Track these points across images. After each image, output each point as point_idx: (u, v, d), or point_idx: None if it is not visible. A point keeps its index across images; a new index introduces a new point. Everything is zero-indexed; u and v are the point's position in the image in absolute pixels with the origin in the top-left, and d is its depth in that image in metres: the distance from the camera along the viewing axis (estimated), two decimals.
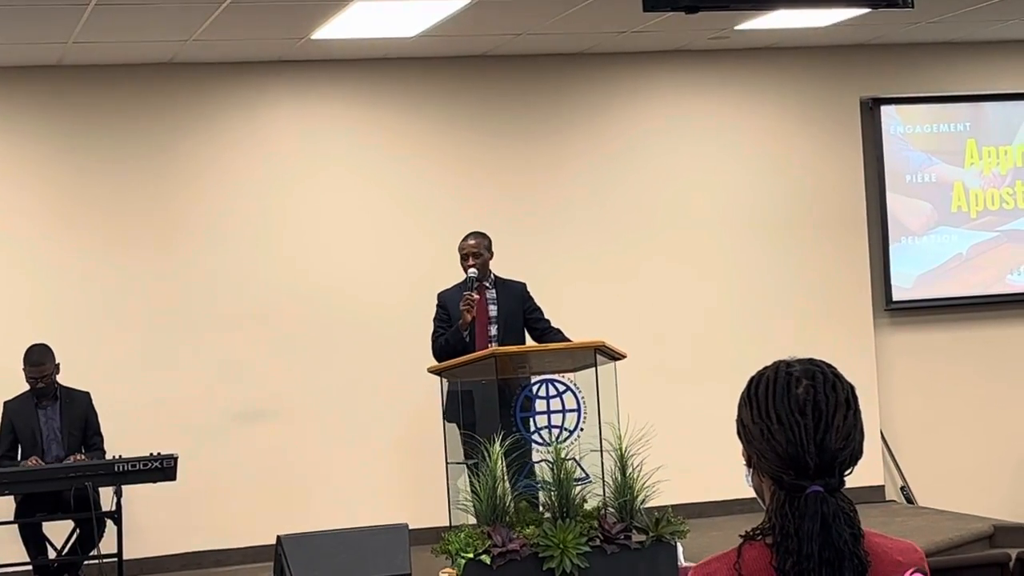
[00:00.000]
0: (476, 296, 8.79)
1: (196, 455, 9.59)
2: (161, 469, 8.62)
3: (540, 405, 8.40)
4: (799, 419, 2.64)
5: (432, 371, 8.61)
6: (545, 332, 9.01)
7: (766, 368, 2.77)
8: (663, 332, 10.72)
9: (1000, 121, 11.58)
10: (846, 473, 2.68)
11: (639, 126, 10.90)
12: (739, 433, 2.74)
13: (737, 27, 10.12)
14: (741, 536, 2.69)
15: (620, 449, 8.04)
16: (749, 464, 2.74)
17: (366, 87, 10.50)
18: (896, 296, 11.31)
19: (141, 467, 8.58)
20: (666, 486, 8.11)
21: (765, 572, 2.63)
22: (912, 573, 2.11)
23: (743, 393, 2.75)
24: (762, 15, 9.75)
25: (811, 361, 2.75)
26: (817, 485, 2.63)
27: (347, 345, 10.31)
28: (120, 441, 9.12)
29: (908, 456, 11.24)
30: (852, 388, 2.72)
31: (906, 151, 11.38)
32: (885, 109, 11.32)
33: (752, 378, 2.76)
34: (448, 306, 8.94)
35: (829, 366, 2.75)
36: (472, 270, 8.85)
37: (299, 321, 10.26)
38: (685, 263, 10.88)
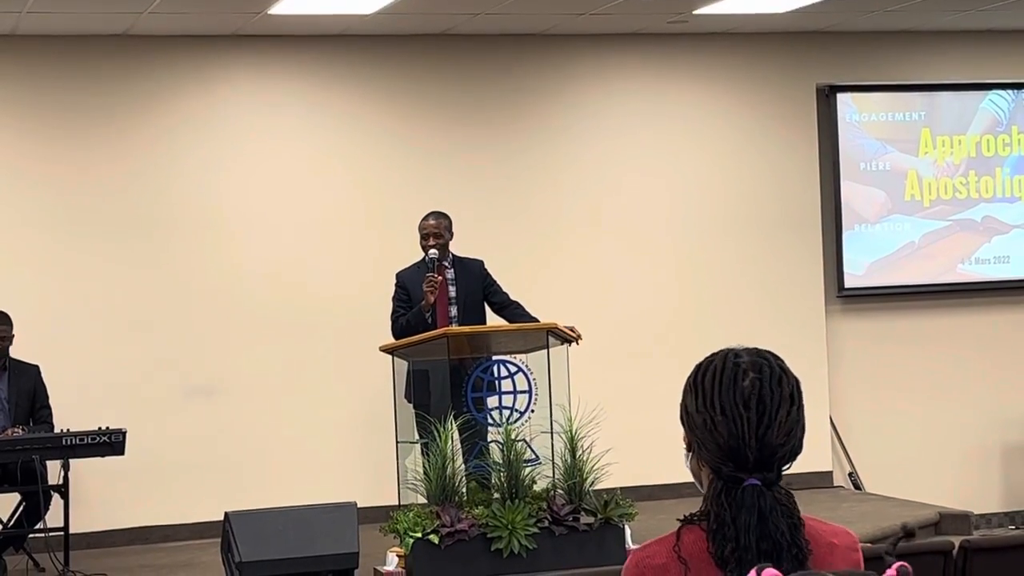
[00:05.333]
0: (439, 277, 8.76)
1: (145, 430, 9.55)
2: (109, 443, 8.58)
3: (492, 386, 8.41)
4: (743, 412, 2.65)
5: (384, 350, 8.59)
6: (505, 306, 8.99)
7: (714, 356, 2.77)
8: (615, 316, 10.73)
9: (954, 111, 11.63)
10: (784, 469, 2.70)
11: (596, 109, 10.89)
12: (682, 419, 2.75)
13: (696, 11, 10.13)
14: (679, 520, 2.72)
15: (570, 431, 8.06)
16: (689, 449, 2.76)
17: (323, 64, 10.45)
18: (848, 283, 11.36)
19: (89, 441, 8.53)
20: (615, 469, 8.14)
21: (704, 554, 2.65)
22: (897, 567, 2.13)
23: (689, 379, 2.76)
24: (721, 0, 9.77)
25: (759, 352, 2.75)
26: (754, 478, 2.65)
27: (299, 323, 10.28)
28: (70, 415, 9.06)
29: (856, 442, 11.30)
30: (798, 383, 2.74)
31: (861, 139, 11.42)
32: (841, 97, 11.36)
33: (699, 364, 2.77)
34: (407, 286, 8.90)
35: (776, 358, 2.76)
36: (433, 251, 8.80)
37: (252, 298, 10.22)
38: (639, 247, 10.89)
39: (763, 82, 11.20)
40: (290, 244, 10.31)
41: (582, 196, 10.81)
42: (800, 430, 2.72)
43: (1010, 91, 11.71)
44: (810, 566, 2.65)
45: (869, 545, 6.84)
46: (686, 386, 2.76)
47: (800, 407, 2.73)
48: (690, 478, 2.85)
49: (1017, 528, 11.23)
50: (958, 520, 9.85)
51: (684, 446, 2.77)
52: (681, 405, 2.76)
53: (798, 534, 2.65)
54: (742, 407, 2.66)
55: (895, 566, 2.13)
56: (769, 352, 2.78)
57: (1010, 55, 11.67)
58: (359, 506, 7.96)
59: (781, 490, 2.68)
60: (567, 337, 8.46)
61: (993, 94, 11.68)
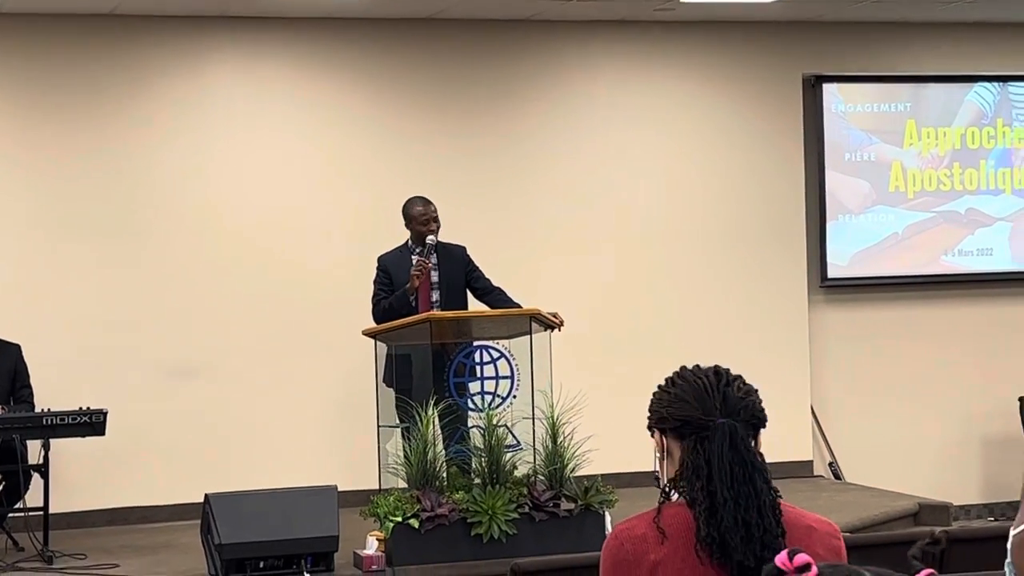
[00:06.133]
0: (429, 263, 8.77)
1: (126, 411, 9.52)
2: (90, 424, 8.55)
3: (474, 371, 8.41)
4: (703, 375, 2.96)
5: (367, 334, 8.59)
6: (488, 292, 8.99)
7: None
8: (597, 302, 10.73)
9: (940, 103, 11.65)
10: (751, 426, 2.93)
11: (582, 97, 10.88)
12: (649, 421, 3.03)
13: None
14: (657, 485, 2.96)
15: (552, 417, 8.06)
16: (662, 449, 2.98)
17: (311, 47, 10.42)
18: (831, 273, 11.38)
19: (70, 421, 8.50)
20: (596, 455, 8.15)
21: (683, 526, 2.82)
22: (926, 574, 2.16)
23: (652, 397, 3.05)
24: None
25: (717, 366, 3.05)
26: (723, 420, 2.89)
27: (282, 305, 10.26)
28: (51, 395, 9.04)
29: (837, 432, 11.32)
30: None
31: (846, 129, 11.43)
32: (827, 87, 11.36)
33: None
34: (390, 270, 8.90)
35: None
36: (431, 237, 8.81)
37: (234, 280, 10.20)
38: (622, 235, 10.89)
39: (749, 71, 11.20)
40: (274, 227, 10.29)
41: (566, 183, 10.81)
42: (759, 398, 2.97)
43: (996, 84, 11.72)
44: (786, 543, 2.70)
45: (849, 534, 6.85)
46: (650, 401, 3.05)
47: (755, 391, 2.98)
48: None
49: (996, 520, 11.27)
50: (937, 511, 9.87)
51: (655, 455, 2.98)
52: (648, 413, 3.03)
53: (767, 475, 2.87)
54: (701, 375, 2.96)
55: (924, 573, 2.14)
56: None
57: (996, 48, 11.69)
58: (340, 490, 7.96)
59: (753, 444, 2.91)
60: (550, 323, 8.46)
61: (979, 86, 11.70)
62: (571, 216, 10.79)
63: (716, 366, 3.00)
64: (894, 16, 11.19)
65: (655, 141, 11.02)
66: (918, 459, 11.40)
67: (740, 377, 2.98)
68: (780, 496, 2.85)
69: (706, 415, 2.87)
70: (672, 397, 2.94)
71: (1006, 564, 4.25)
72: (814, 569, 2.13)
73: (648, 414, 3.01)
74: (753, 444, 2.90)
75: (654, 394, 3.01)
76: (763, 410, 2.95)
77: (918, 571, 2.16)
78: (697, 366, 3.02)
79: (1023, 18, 11.47)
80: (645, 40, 10.99)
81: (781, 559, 2.16)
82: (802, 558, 2.15)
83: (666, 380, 3.01)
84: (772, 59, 11.24)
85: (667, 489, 2.90)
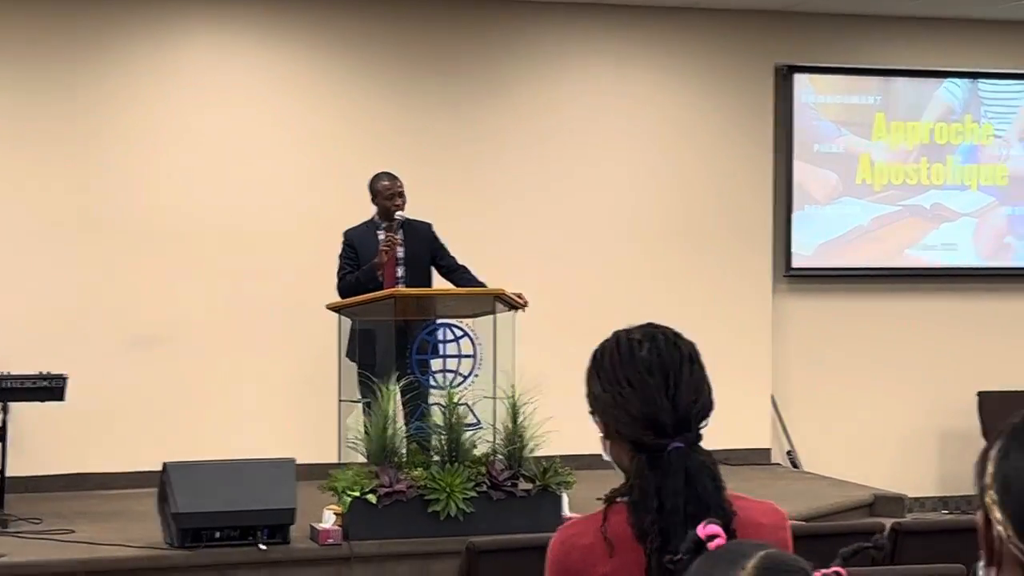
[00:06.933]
0: (398, 239, 8.78)
1: (87, 377, 9.48)
2: (49, 388, 8.51)
3: (437, 349, 8.41)
4: (648, 379, 2.73)
5: (331, 308, 8.59)
6: (453, 270, 8.99)
7: (607, 339, 2.86)
8: (560, 284, 10.74)
9: (910, 97, 11.69)
10: (701, 426, 2.76)
11: (550, 80, 10.87)
12: (591, 406, 2.84)
13: None
14: (599, 499, 2.77)
15: (512, 397, 8.07)
16: (607, 435, 2.80)
17: (283, 21, 10.38)
18: (796, 263, 11.41)
19: (29, 385, 8.47)
20: (555, 437, 8.16)
21: (629, 536, 2.71)
22: (834, 570, 2.15)
23: (588, 367, 2.84)
24: None
25: (650, 324, 2.84)
26: (677, 441, 2.71)
27: (247, 277, 10.24)
28: (10, 358, 9.00)
29: (797, 421, 11.37)
30: (693, 345, 2.82)
31: (816, 120, 11.46)
32: (798, 77, 11.39)
33: (595, 351, 2.86)
34: (355, 245, 8.90)
35: (669, 328, 2.83)
36: (400, 213, 8.82)
37: (200, 250, 10.17)
38: (588, 218, 10.90)
39: (721, 59, 11.21)
40: (240, 199, 10.27)
41: (534, 167, 10.80)
42: (707, 387, 2.78)
43: (966, 80, 11.77)
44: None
45: (803, 523, 6.90)
46: (588, 373, 2.85)
47: (701, 366, 2.79)
48: None
49: (950, 513, 11.34)
50: (892, 502, 9.93)
51: (600, 435, 2.82)
52: (587, 395, 2.85)
53: (722, 495, 2.72)
54: (646, 375, 2.74)
55: (832, 568, 2.14)
56: (661, 324, 2.85)
57: (967, 44, 11.73)
58: (299, 463, 7.96)
59: (703, 451, 2.74)
60: (514, 303, 8.48)
61: (948, 82, 11.74)
62: (538, 200, 10.79)
63: (658, 351, 2.74)
64: (868, 9, 11.22)
65: (624, 126, 11.02)
66: (875, 450, 11.46)
67: (685, 356, 2.75)
68: (734, 512, 2.74)
69: (658, 436, 2.71)
70: (617, 407, 2.75)
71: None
72: (719, 540, 2.20)
73: (587, 396, 2.81)
74: (702, 425, 2.78)
75: (590, 376, 2.81)
76: (712, 398, 2.77)
77: (830, 566, 2.15)
78: (633, 343, 2.78)
79: (995, 15, 11.52)
80: (619, 24, 10.99)
81: (699, 528, 2.23)
82: (712, 529, 2.21)
83: (604, 366, 2.79)
84: (745, 48, 11.25)
85: (612, 498, 2.78)
